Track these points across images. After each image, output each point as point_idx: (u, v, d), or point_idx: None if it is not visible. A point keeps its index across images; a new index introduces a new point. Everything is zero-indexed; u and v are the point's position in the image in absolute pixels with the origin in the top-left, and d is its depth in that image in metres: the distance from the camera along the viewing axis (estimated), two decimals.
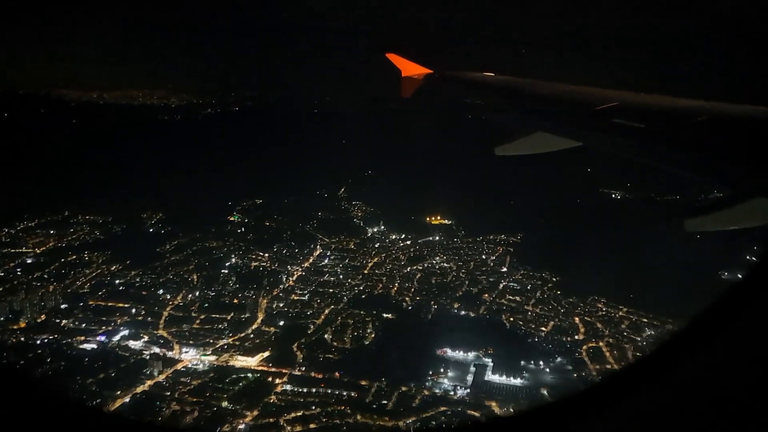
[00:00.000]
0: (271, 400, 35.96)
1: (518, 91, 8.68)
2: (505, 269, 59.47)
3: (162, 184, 78.88)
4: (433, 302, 51.07)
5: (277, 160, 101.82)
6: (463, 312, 49.50)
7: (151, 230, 65.05)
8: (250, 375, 38.63)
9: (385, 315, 48.63)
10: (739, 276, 49.63)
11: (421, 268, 61.66)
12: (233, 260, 59.65)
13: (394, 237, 72.83)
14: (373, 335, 45.25)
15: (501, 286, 54.40)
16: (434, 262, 63.61)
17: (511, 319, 48.81)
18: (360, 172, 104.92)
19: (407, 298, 51.98)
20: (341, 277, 58.77)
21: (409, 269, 61.30)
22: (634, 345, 46.10)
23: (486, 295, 52.53)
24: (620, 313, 52.10)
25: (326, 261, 63.56)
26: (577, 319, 49.34)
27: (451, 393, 38.64)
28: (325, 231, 72.38)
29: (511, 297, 52.17)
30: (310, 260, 62.96)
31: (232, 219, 71.76)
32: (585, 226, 76.10)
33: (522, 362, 42.49)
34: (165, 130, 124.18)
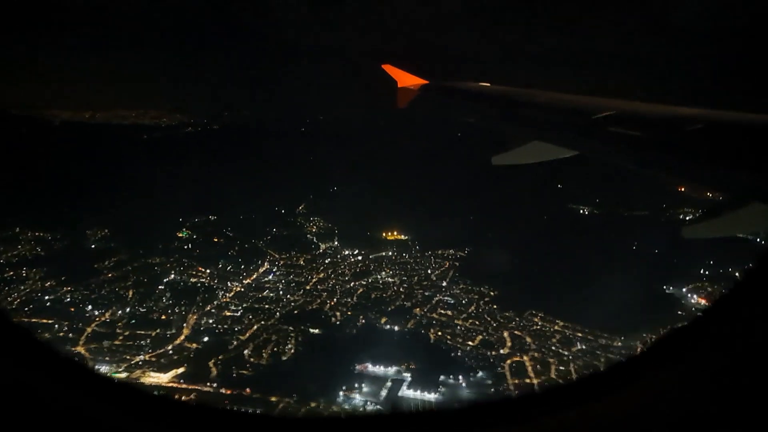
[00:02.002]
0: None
1: (515, 101, 8.70)
2: (445, 283, 59.22)
3: (117, 201, 78.90)
4: (361, 317, 50.67)
5: (242, 178, 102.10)
6: (388, 327, 49.12)
7: (93, 246, 64.67)
8: (155, 392, 37.98)
9: (311, 330, 48.27)
10: (684, 290, 49.42)
11: (364, 283, 61.35)
12: (172, 276, 59.23)
13: (346, 253, 72.62)
14: (293, 351, 44.82)
15: (435, 300, 54.07)
16: (379, 277, 63.31)
17: (439, 333, 48.43)
18: (325, 188, 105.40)
19: (338, 313, 51.59)
20: (281, 293, 58.41)
21: (352, 284, 60.96)
22: (560, 359, 45.73)
23: (418, 309, 52.21)
24: (555, 327, 51.81)
25: (270, 277, 63.20)
26: (506, 333, 49.00)
27: (360, 408, 38.16)
28: (276, 247, 72.13)
29: (443, 311, 51.85)
30: (254, 276, 62.58)
31: (180, 235, 71.41)
32: (541, 240, 76.32)
33: (441, 377, 42.10)
34: (140, 149, 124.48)
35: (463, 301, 54.51)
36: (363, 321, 49.75)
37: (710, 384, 2.34)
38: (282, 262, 68.03)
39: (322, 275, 64.17)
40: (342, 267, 67.08)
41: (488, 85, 10.62)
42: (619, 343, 49.58)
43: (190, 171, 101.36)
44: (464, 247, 71.69)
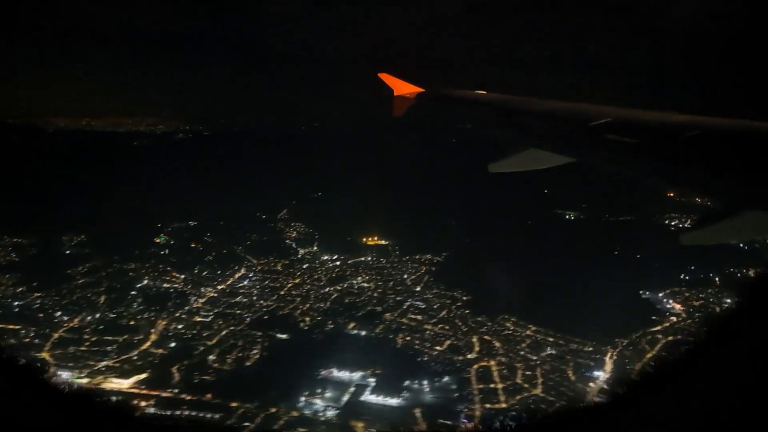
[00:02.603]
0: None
1: (511, 108, 8.73)
2: (418, 288, 59.11)
3: (97, 207, 78.73)
4: (330, 322, 50.53)
5: (226, 183, 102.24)
6: (355, 332, 48.97)
7: (68, 252, 64.47)
8: (114, 398, 37.87)
9: (279, 335, 48.10)
10: (660, 295, 49.29)
11: (339, 288, 61.20)
12: (145, 282, 59.06)
13: (325, 258, 72.48)
14: (257, 356, 44.62)
15: (406, 305, 53.94)
16: (354, 282, 63.16)
17: (407, 338, 48.28)
18: (310, 194, 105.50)
19: (307, 318, 51.44)
20: (254, 298, 58.22)
21: (326, 290, 60.81)
22: (527, 364, 45.56)
23: (389, 314, 52.05)
24: (527, 332, 51.69)
25: (245, 282, 63.02)
26: (475, 338, 48.87)
27: (320, 414, 37.97)
28: (255, 253, 71.99)
29: (413, 316, 51.71)
30: (229, 282, 62.42)
31: (158, 241, 71.25)
32: (521, 245, 76.30)
33: (406, 382, 41.90)
34: (128, 156, 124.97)
35: (435, 306, 54.41)
36: (332, 326, 49.55)
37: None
38: (259, 268, 67.87)
39: (297, 280, 64.03)
40: (319, 272, 66.93)
41: (484, 92, 10.72)
42: (590, 348, 49.43)
43: (175, 177, 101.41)
44: (441, 252, 71.70)
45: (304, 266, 69.47)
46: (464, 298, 57.05)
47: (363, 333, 48.43)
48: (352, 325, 49.60)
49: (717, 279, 69.81)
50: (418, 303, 54.11)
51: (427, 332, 49.12)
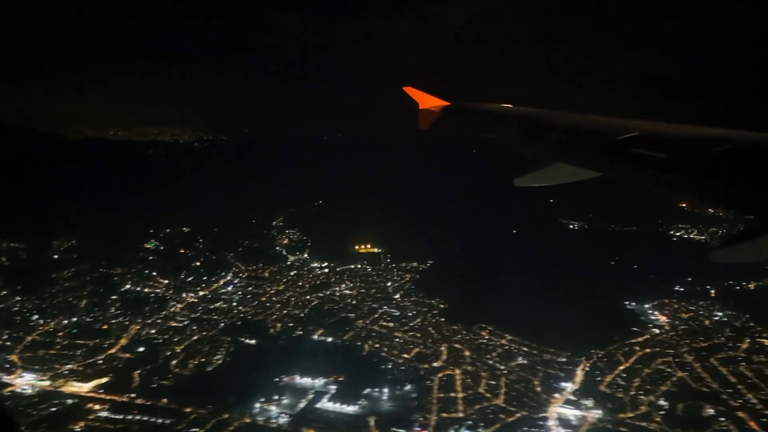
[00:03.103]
0: (77, 427, 35.44)
1: (537, 122, 8.56)
2: (398, 296, 58.70)
3: (95, 213, 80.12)
4: (301, 329, 50.40)
5: (228, 191, 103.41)
6: (323, 338, 48.74)
7: (56, 257, 65.53)
8: (70, 401, 38.22)
9: (247, 341, 48.11)
10: (645, 306, 48.29)
11: (321, 295, 61.03)
12: (128, 286, 59.71)
13: (314, 265, 72.53)
14: (220, 361, 44.65)
15: (380, 312, 53.56)
16: (337, 289, 62.97)
17: (376, 345, 47.88)
18: (311, 202, 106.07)
19: (279, 324, 51.38)
20: (234, 304, 58.42)
21: (307, 297, 60.71)
22: (494, 373, 44.77)
23: (361, 321, 51.72)
24: (501, 342, 50.92)
25: (229, 288, 63.31)
26: (445, 346, 48.23)
27: (272, 421, 37.76)
28: (244, 259, 72.37)
29: (385, 323, 51.30)
30: (212, 288, 62.78)
31: (148, 246, 72.09)
32: (517, 255, 75.43)
33: (366, 390, 41.50)
34: (138, 164, 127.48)
35: (410, 314, 53.91)
36: (301, 332, 49.41)
37: None
38: (246, 274, 68.20)
39: (281, 287, 64.12)
40: (304, 280, 66.94)
41: (510, 106, 10.42)
42: (564, 359, 48.42)
43: (179, 185, 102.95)
44: (428, 261, 71.33)
45: (292, 273, 69.61)
46: (442, 306, 56.51)
47: (330, 340, 48.06)
48: (321, 331, 49.35)
49: (713, 291, 68.09)
50: (392, 311, 53.67)
51: (397, 340, 48.64)
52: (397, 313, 53.16)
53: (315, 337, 48.80)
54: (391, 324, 51.13)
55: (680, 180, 4.99)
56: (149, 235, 75.10)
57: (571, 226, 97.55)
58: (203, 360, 44.66)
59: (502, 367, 45.85)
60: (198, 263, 68.21)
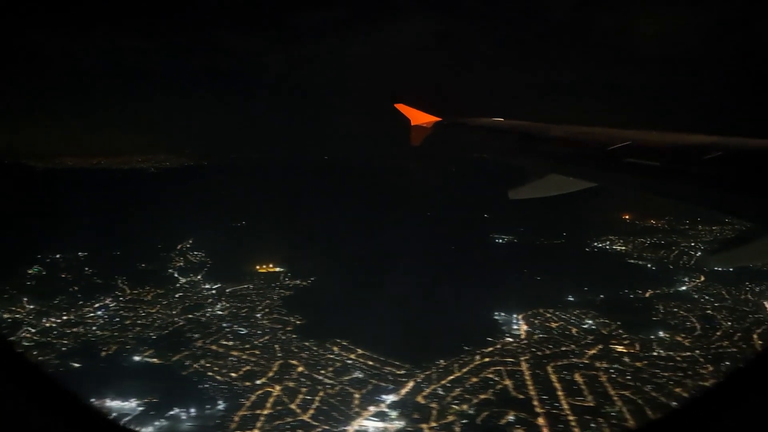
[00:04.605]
0: None
1: (529, 134, 8.88)
2: (258, 315, 58.04)
3: None
4: (138, 350, 49.63)
5: (154, 215, 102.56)
6: (152, 359, 47.97)
7: None
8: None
9: (73, 364, 47.26)
10: (515, 316, 47.78)
11: (190, 317, 60.21)
12: None
13: (205, 287, 71.69)
14: None
15: (225, 331, 52.86)
16: (210, 310, 62.20)
17: (207, 365, 47.10)
18: (231, 223, 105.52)
19: (114, 347, 50.57)
20: (94, 328, 57.52)
21: (175, 319, 59.88)
22: (315, 389, 44.02)
23: (200, 341, 50.96)
24: (349, 356, 50.38)
25: (99, 313, 62.35)
26: (278, 363, 47.53)
27: None
28: (133, 282, 71.33)
29: (225, 342, 50.56)
30: (80, 312, 61.81)
31: (30, 272, 71.31)
32: (415, 270, 74.95)
33: (174, 410, 40.66)
34: (89, 192, 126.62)
35: (259, 332, 53.21)
36: (133, 354, 48.59)
37: None
38: (128, 298, 67.18)
39: (154, 309, 63.28)
40: (184, 301, 66.01)
41: (501, 120, 10.77)
42: (402, 372, 47.76)
43: (108, 209, 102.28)
44: (310, 278, 71.01)
45: (176, 296, 68.66)
46: (298, 322, 55.90)
47: (158, 361, 47.25)
48: (151, 352, 48.51)
49: (600, 298, 68.13)
50: (240, 329, 52.89)
51: (231, 358, 47.87)
52: (244, 332, 52.43)
53: (141, 358, 47.95)
54: (231, 343, 50.39)
55: (674, 187, 5.33)
56: (36, 260, 74.27)
57: (499, 240, 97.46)
58: None
59: (330, 382, 45.10)
60: (76, 287, 67.26)
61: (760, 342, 54.01)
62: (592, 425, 37.42)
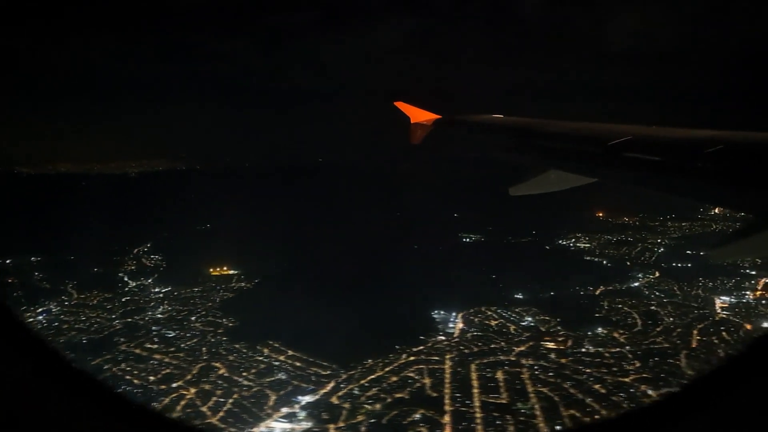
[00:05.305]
0: None
1: (529, 131, 8.85)
2: (193, 317, 57.60)
3: None
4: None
5: (118, 218, 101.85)
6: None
7: None
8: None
9: None
10: (453, 314, 47.31)
11: (129, 320, 59.74)
12: None
13: (154, 290, 71.12)
14: None
15: (152, 334, 52.42)
16: (150, 313, 61.75)
17: (126, 368, 46.67)
18: (194, 227, 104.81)
19: None
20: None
21: (114, 323, 59.46)
22: (231, 390, 43.60)
23: (125, 344, 50.56)
24: (278, 357, 49.92)
25: (40, 318, 61.91)
26: (199, 366, 47.08)
27: None
28: (82, 287, 70.64)
29: (150, 345, 50.10)
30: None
31: None
32: (369, 270, 74.73)
33: None
34: (72, 196, 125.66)
35: (188, 335, 52.75)
36: None
37: None
38: (74, 302, 66.61)
39: (95, 314, 62.79)
40: (129, 305, 65.47)
41: (501, 116, 10.76)
42: (327, 372, 47.31)
43: (74, 212, 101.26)
44: (255, 279, 70.64)
45: (123, 299, 68.07)
46: (231, 325, 55.40)
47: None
48: (71, 356, 47.91)
49: (549, 295, 67.94)
50: (168, 332, 52.41)
51: (152, 362, 47.38)
52: (172, 335, 51.95)
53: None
54: (156, 346, 49.91)
55: (675, 181, 5.24)
56: None
57: (466, 239, 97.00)
58: None
59: (249, 384, 44.65)
60: (19, 292, 66.72)
61: (698, 338, 53.60)
62: (498, 422, 36.93)
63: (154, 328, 53.68)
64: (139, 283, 73.56)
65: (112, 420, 2.74)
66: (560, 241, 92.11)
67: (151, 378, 45.11)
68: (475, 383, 42.56)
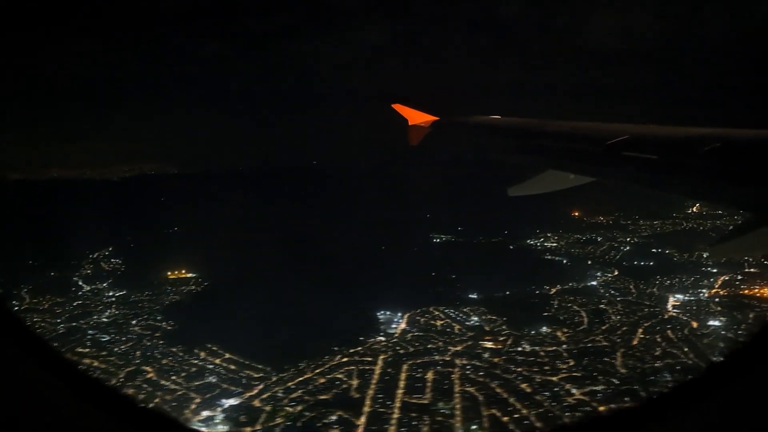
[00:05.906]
0: None
1: (527, 131, 8.86)
2: (134, 321, 57.12)
3: None
4: None
5: (84, 224, 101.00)
6: None
7: None
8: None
9: None
10: (399, 314, 46.88)
11: (74, 325, 59.08)
12: None
13: (108, 294, 70.49)
14: None
15: (88, 337, 51.97)
16: (96, 317, 61.17)
17: None
18: (162, 230, 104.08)
19: None
20: None
21: (59, 327, 58.82)
22: (153, 394, 43.12)
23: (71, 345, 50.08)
24: (213, 360, 49.45)
25: None
26: (130, 370, 46.73)
27: None
28: (34, 292, 69.82)
29: (80, 349, 49.67)
30: None
31: None
32: (327, 272, 74.26)
33: None
34: (55, 202, 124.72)
35: (123, 339, 52.21)
36: None
37: None
38: (25, 307, 65.99)
39: (41, 318, 62.19)
40: (79, 309, 64.78)
41: (499, 117, 10.71)
42: (259, 375, 46.83)
43: (48, 218, 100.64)
44: (203, 282, 70.23)
45: (75, 303, 67.30)
46: (169, 327, 54.94)
47: None
48: None
49: (504, 294, 67.69)
50: (103, 336, 51.93)
51: (80, 366, 46.70)
52: (106, 338, 51.44)
53: None
54: (88, 350, 49.44)
55: (672, 180, 5.25)
56: None
57: (436, 240, 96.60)
58: None
59: (175, 388, 44.21)
60: None
61: (641, 336, 53.29)
62: (413, 423, 36.55)
63: (90, 332, 52.99)
64: (93, 287, 72.89)
65: (113, 420, 2.72)
66: (528, 241, 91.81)
67: None
68: (401, 384, 42.14)
